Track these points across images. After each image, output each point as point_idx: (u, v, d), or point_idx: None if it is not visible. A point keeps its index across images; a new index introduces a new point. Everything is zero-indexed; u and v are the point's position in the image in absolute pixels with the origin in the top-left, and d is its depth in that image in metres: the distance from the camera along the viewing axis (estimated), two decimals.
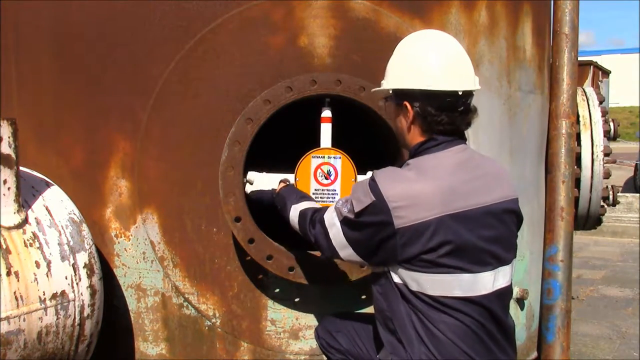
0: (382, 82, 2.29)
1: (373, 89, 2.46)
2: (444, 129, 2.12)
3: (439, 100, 2.10)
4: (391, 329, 2.12)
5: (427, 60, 2.14)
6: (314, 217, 2.34)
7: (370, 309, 2.95)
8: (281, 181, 2.79)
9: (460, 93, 2.10)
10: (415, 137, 2.18)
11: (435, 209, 1.99)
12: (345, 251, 2.19)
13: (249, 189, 2.86)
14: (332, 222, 2.21)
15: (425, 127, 2.14)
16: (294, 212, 2.48)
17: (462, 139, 2.20)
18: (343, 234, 2.16)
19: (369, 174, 2.68)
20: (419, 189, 2.01)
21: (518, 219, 2.23)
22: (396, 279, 2.08)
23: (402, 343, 2.07)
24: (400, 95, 2.17)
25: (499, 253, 2.10)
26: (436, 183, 2.04)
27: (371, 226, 2.05)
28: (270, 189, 2.79)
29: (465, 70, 2.17)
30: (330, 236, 2.21)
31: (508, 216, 2.16)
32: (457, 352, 2.03)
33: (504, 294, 2.16)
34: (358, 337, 2.45)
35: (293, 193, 2.64)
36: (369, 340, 2.40)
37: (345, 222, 2.15)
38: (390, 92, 2.21)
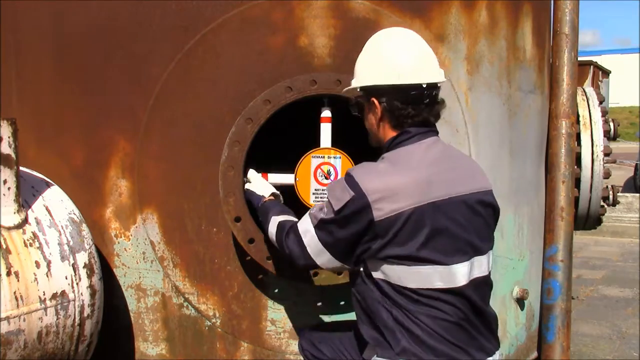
0: (351, 81, 2.33)
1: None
2: (412, 122, 2.18)
3: (405, 94, 2.16)
4: (374, 326, 2.14)
5: (393, 56, 2.20)
6: (289, 228, 2.33)
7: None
8: (271, 194, 2.73)
9: (424, 86, 2.15)
10: (386, 132, 2.24)
11: (413, 198, 2.03)
12: (322, 257, 2.19)
13: (246, 186, 2.84)
14: (306, 229, 2.21)
15: (394, 122, 2.20)
16: (273, 224, 2.45)
17: (434, 131, 2.24)
18: (318, 238, 2.17)
19: None
20: (396, 181, 2.06)
21: (494, 210, 2.26)
22: (376, 275, 2.10)
23: (386, 337, 2.09)
24: (369, 93, 2.24)
25: (475, 242, 2.14)
26: (412, 174, 2.08)
27: (352, 221, 2.07)
28: (260, 194, 2.73)
29: (429, 64, 2.23)
30: (305, 243, 2.21)
31: (483, 207, 2.19)
32: (441, 342, 2.05)
33: (482, 283, 2.18)
34: (341, 345, 2.44)
35: (277, 206, 2.59)
36: (353, 347, 2.39)
37: (320, 226, 2.16)
38: (358, 89, 2.28)
